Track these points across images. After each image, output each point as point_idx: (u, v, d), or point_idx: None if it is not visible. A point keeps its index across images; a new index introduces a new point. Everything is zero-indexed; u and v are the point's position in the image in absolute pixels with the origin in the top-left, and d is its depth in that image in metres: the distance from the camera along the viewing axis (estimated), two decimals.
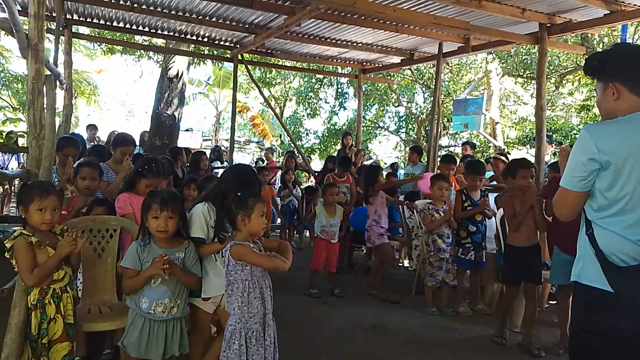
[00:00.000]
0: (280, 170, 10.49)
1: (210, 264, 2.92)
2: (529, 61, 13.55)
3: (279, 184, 9.40)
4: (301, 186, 9.22)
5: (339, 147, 21.26)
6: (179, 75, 12.02)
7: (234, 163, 8.76)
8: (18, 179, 4.24)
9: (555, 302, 5.01)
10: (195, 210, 2.93)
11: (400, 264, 7.04)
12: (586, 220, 1.94)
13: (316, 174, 9.30)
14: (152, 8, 6.91)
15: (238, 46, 8.91)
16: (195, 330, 3.02)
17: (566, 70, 14.52)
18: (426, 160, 7.83)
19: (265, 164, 11.70)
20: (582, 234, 1.95)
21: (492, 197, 5.48)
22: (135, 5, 6.77)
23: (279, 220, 8.54)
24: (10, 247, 2.53)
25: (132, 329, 2.64)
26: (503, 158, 6.72)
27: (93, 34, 10.36)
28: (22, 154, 8.43)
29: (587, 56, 2.11)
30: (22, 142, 10.23)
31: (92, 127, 10.23)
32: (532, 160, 5.77)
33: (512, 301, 4.28)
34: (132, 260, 2.66)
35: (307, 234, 8.52)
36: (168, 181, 5.14)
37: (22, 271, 2.52)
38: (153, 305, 2.63)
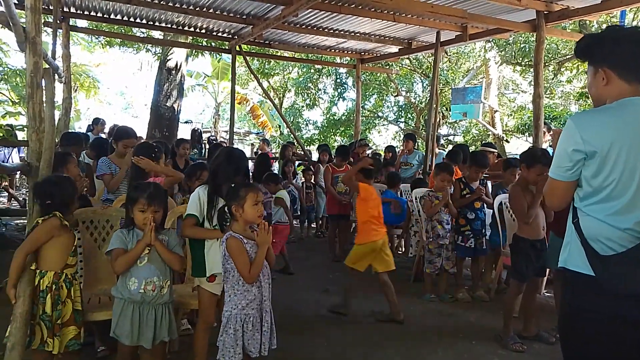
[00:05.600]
0: (275, 161, 10.51)
1: (209, 243, 2.97)
2: (528, 49, 13.52)
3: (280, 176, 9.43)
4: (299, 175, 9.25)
5: (338, 137, 21.39)
6: (178, 67, 12.03)
7: None
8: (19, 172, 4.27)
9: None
10: (195, 191, 3.07)
11: (400, 252, 7.09)
12: (573, 208, 1.95)
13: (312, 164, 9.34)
14: (149, 0, 6.91)
15: (236, 37, 8.91)
16: (200, 315, 3.07)
17: (564, 57, 14.49)
18: (424, 149, 7.85)
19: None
20: (569, 222, 1.96)
21: (489, 184, 5.52)
22: None
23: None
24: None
25: (123, 317, 2.69)
26: (491, 149, 6.75)
27: (91, 27, 10.35)
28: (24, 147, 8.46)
29: (580, 38, 2.03)
30: (22, 135, 10.24)
31: (101, 121, 10.19)
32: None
33: (517, 296, 4.10)
34: (119, 241, 2.73)
35: (306, 223, 8.57)
36: None
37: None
38: (143, 285, 2.67)
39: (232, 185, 2.78)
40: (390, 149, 8.88)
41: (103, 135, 9.54)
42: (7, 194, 10.25)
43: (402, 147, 8.74)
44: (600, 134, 1.80)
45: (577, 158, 1.84)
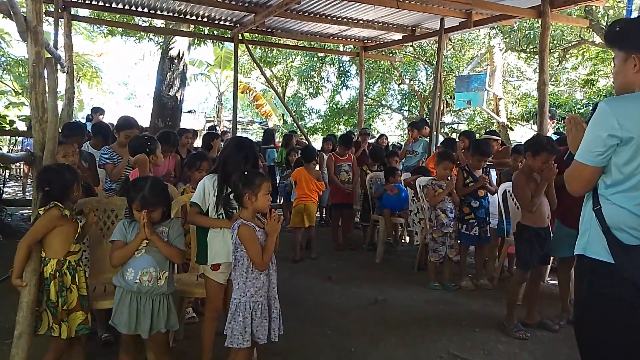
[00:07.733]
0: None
1: (213, 231, 2.98)
2: (532, 36, 13.40)
3: (283, 164, 9.42)
4: None
5: (341, 126, 21.35)
6: (180, 56, 11.98)
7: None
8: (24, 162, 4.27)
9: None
10: (202, 180, 3.09)
11: (403, 241, 7.10)
12: (594, 195, 1.91)
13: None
14: None
15: (238, 26, 8.86)
16: (207, 303, 3.09)
17: (570, 44, 14.36)
18: (428, 138, 7.83)
19: None
20: (589, 209, 1.93)
21: (493, 172, 5.50)
22: None
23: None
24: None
25: (121, 306, 2.70)
26: (494, 137, 6.72)
27: (93, 16, 10.30)
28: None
29: (611, 22, 1.94)
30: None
31: (100, 111, 10.20)
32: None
33: (521, 284, 4.12)
34: (119, 233, 2.75)
35: None
36: (175, 161, 5.18)
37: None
38: (139, 275, 2.68)
39: (245, 173, 2.76)
40: (381, 136, 9.62)
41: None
42: (13, 183, 10.30)
43: (407, 136, 8.80)
44: (637, 120, 1.76)
45: (612, 143, 1.80)
